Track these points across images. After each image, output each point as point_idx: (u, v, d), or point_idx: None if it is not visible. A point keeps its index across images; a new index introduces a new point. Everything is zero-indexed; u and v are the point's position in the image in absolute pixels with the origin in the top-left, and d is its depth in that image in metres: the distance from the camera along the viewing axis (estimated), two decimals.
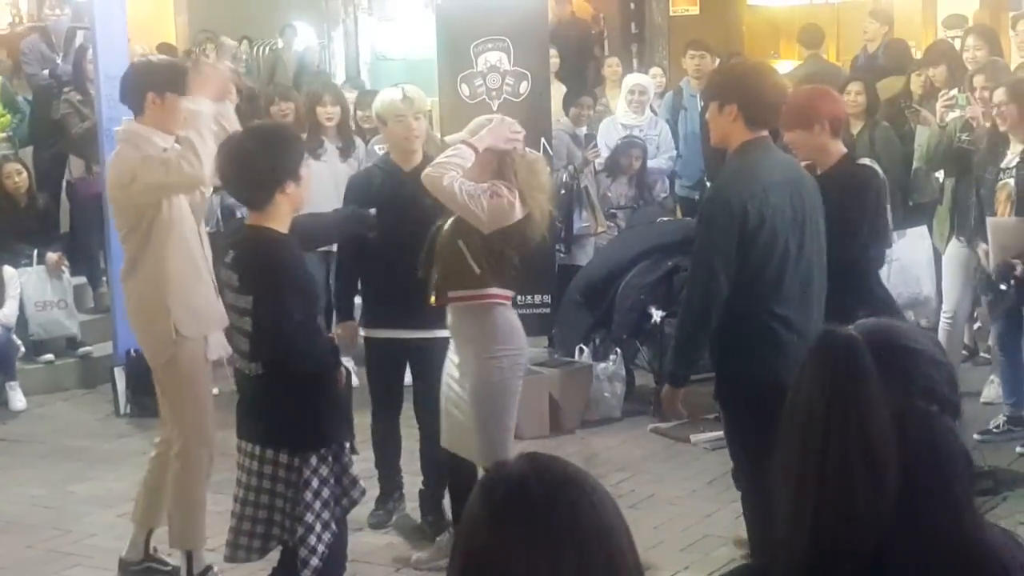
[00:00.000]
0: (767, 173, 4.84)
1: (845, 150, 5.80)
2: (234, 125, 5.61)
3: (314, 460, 4.55)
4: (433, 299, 5.50)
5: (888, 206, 6.24)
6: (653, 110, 10.28)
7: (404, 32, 18.55)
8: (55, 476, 7.35)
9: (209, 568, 5.69)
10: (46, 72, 10.41)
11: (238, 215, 8.66)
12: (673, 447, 7.46)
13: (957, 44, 10.64)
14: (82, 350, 9.23)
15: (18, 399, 8.70)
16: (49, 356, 9.16)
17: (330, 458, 4.60)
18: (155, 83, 5.56)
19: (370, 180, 6.35)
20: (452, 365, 5.59)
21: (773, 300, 4.83)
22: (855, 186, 5.66)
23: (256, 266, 4.56)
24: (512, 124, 5.54)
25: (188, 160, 5.26)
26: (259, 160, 4.57)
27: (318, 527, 4.57)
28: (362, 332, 6.44)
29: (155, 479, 5.86)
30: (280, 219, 4.60)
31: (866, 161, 6.14)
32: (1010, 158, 7.09)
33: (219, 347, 5.67)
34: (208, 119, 5.35)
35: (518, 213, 5.35)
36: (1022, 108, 7.00)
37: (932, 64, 9.03)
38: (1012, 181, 7.00)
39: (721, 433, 7.24)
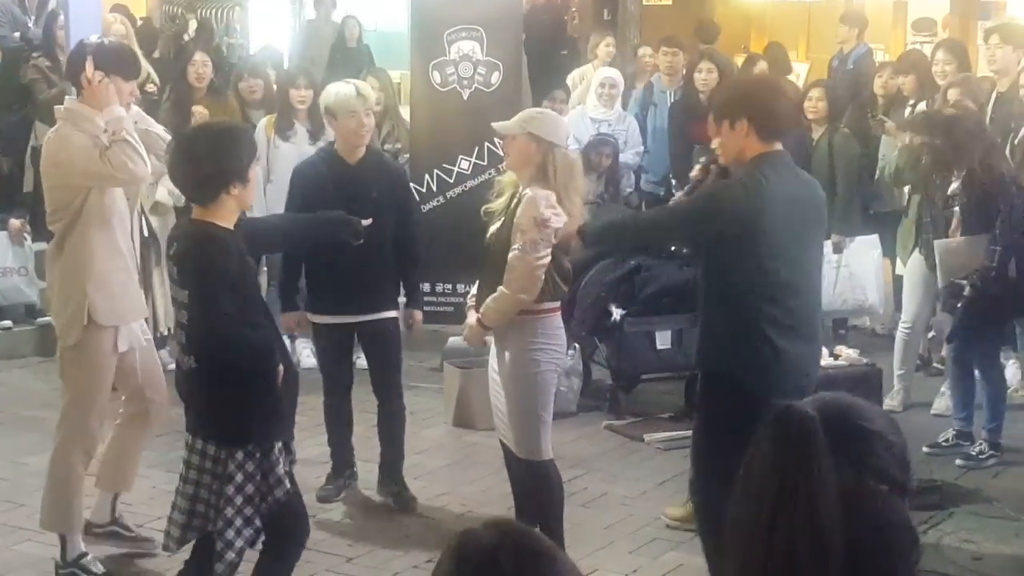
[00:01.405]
0: (772, 188, 4.89)
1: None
2: (151, 124, 5.87)
3: (240, 455, 4.61)
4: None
5: None
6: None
7: (377, 4, 18.50)
8: (8, 447, 7.35)
9: (84, 555, 5.74)
10: (17, 35, 10.34)
11: None
12: (626, 445, 7.54)
13: (926, 49, 10.78)
14: (41, 320, 9.19)
15: None
16: (7, 323, 9.13)
17: (258, 454, 4.63)
18: (101, 64, 5.56)
19: (316, 170, 6.46)
20: (494, 360, 5.71)
21: (772, 310, 4.91)
22: None
23: (190, 260, 4.63)
24: (549, 196, 5.44)
25: (131, 158, 5.36)
26: (207, 160, 4.63)
27: (238, 522, 4.62)
28: (310, 318, 6.62)
29: (120, 443, 5.94)
30: (225, 216, 4.67)
31: None
32: (955, 186, 7.21)
33: (131, 338, 5.73)
34: (128, 122, 5.46)
35: (559, 215, 5.38)
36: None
37: (903, 72, 9.12)
38: (958, 209, 7.14)
39: (675, 433, 7.43)
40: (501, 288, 5.44)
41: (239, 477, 4.61)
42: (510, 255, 5.38)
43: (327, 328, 6.54)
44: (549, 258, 5.40)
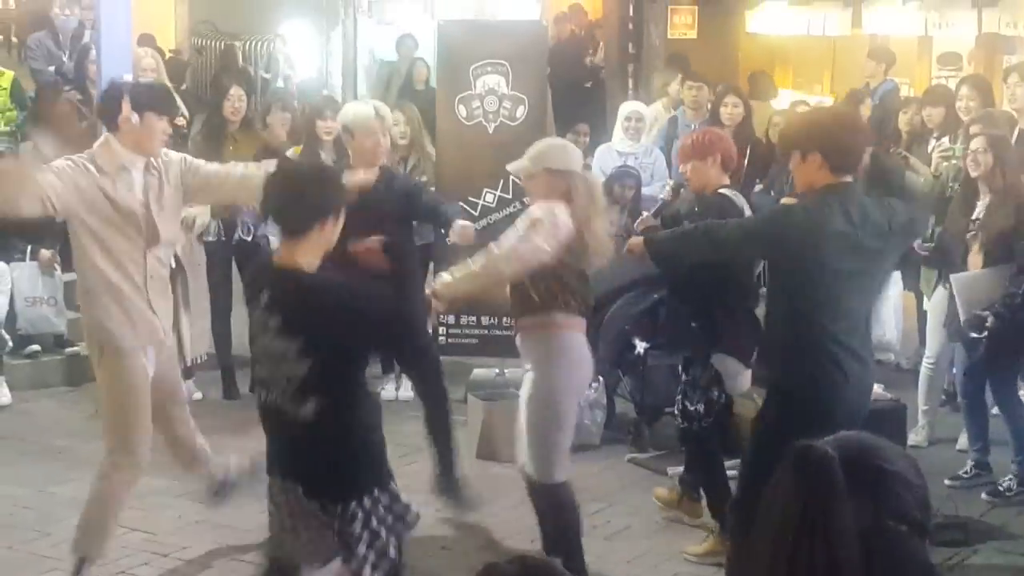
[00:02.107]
0: (836, 217, 4.95)
1: (725, 182, 6.43)
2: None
3: (367, 501, 4.37)
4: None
5: None
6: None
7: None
8: (37, 476, 7.40)
9: None
10: (52, 68, 10.46)
11: (237, 226, 8.74)
12: (650, 478, 7.53)
13: (951, 83, 10.80)
14: (69, 350, 9.26)
15: (3, 393, 8.74)
16: (35, 347, 9.19)
17: (378, 493, 4.42)
18: (137, 104, 5.66)
19: None
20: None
21: (836, 331, 5.01)
22: (715, 207, 6.21)
23: (308, 310, 4.33)
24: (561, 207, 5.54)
25: None
26: (312, 187, 4.51)
27: (372, 557, 4.39)
28: None
29: (101, 498, 5.93)
30: (312, 253, 4.43)
31: (727, 192, 6.43)
32: (979, 209, 7.23)
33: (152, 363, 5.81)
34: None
35: (569, 222, 5.44)
36: (998, 159, 7.15)
37: (932, 104, 9.11)
38: (981, 233, 7.15)
39: None
40: (472, 264, 5.50)
41: (373, 520, 4.36)
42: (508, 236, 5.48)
43: None
44: (548, 255, 5.39)
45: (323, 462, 4.38)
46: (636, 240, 5.67)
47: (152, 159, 5.72)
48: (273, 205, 4.57)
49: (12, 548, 6.39)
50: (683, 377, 6.66)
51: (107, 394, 5.78)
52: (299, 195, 4.48)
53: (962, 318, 7.15)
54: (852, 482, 1.93)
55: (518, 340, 5.77)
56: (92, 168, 5.58)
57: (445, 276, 5.66)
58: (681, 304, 6.74)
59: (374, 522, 4.35)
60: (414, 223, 7.31)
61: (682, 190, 5.68)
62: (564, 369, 5.59)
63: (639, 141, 9.96)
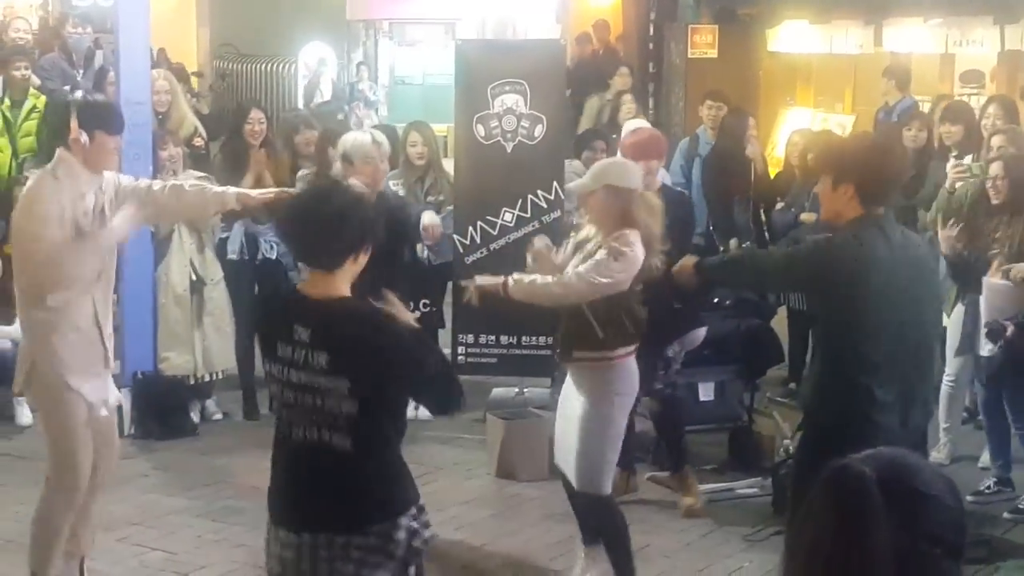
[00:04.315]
0: (875, 248, 4.88)
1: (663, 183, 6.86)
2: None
3: (403, 521, 4.14)
4: (558, 355, 5.83)
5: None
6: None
7: (423, 58, 18.70)
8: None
9: None
10: (67, 88, 10.50)
11: (261, 244, 8.76)
12: (670, 496, 7.50)
13: (973, 101, 10.76)
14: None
15: (24, 414, 8.75)
16: None
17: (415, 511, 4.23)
18: (84, 122, 5.68)
19: None
20: (568, 394, 5.88)
21: (875, 369, 4.90)
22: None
23: (365, 348, 4.01)
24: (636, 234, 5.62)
25: (117, 238, 5.73)
26: (352, 220, 4.15)
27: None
28: None
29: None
30: (347, 283, 4.16)
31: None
32: (1001, 230, 7.25)
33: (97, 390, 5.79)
34: (90, 199, 5.63)
35: (642, 253, 5.52)
36: (1015, 185, 7.17)
37: (951, 121, 9.03)
38: (1003, 250, 7.20)
39: (717, 486, 7.45)
40: (550, 278, 5.59)
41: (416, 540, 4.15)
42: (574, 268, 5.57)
43: None
44: (619, 284, 5.49)
45: (366, 489, 4.10)
46: (688, 263, 5.61)
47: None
48: (306, 244, 4.22)
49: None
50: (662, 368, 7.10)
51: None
52: (335, 232, 4.12)
53: (983, 320, 7.14)
54: (888, 503, 1.90)
55: (572, 369, 5.83)
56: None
57: (516, 275, 5.75)
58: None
59: (416, 540, 4.17)
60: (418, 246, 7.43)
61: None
62: (621, 396, 5.75)
63: None
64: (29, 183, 5.95)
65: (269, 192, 6.37)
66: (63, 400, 5.67)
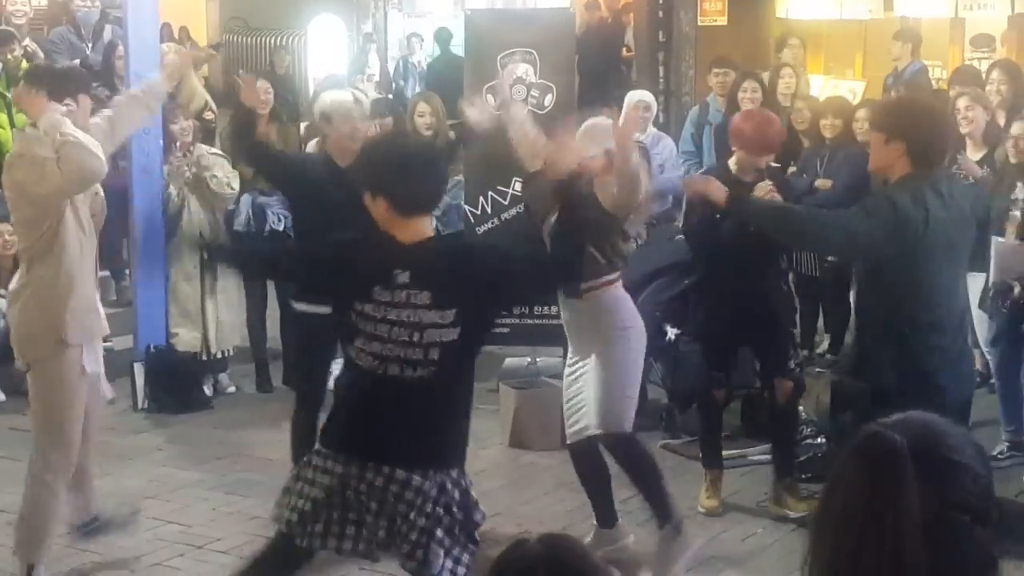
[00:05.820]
0: (933, 201, 5.02)
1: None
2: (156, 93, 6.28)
3: (456, 473, 4.46)
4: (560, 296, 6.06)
5: None
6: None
7: (433, 29, 18.64)
8: None
9: None
10: (77, 62, 10.48)
11: (269, 216, 8.76)
12: (683, 464, 7.52)
13: (983, 65, 10.71)
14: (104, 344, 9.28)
15: None
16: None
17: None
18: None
19: (306, 167, 6.83)
20: (573, 357, 6.11)
21: (931, 328, 5.09)
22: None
23: (456, 276, 4.37)
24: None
25: (82, 156, 5.44)
26: (445, 165, 4.80)
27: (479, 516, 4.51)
28: (298, 307, 6.64)
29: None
30: (428, 226, 4.50)
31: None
32: (1020, 188, 7.21)
33: (94, 360, 5.80)
34: (66, 123, 5.50)
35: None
36: None
37: (962, 85, 9.01)
38: (1019, 212, 7.13)
39: (731, 452, 7.43)
40: None
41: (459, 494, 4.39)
42: None
43: (310, 319, 6.38)
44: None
45: (449, 425, 4.42)
46: (720, 192, 5.57)
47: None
48: (410, 190, 4.41)
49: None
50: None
51: (57, 391, 5.73)
52: (441, 177, 4.64)
53: (991, 281, 7.15)
54: (919, 470, 1.88)
55: (564, 310, 6.11)
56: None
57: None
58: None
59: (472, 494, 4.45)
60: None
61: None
62: (626, 329, 5.96)
63: (646, 131, 9.86)
64: (14, 148, 6.06)
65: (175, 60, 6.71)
66: (64, 359, 5.66)
